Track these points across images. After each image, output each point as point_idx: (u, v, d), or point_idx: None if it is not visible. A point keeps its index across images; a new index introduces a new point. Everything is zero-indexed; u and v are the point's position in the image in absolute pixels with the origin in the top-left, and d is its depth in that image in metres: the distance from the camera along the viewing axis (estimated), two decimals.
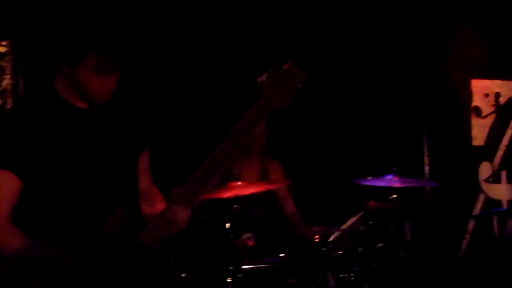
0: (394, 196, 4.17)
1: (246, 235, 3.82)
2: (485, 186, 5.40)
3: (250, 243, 3.78)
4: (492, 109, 5.46)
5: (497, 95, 5.48)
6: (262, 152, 4.41)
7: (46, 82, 2.83)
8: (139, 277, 2.25)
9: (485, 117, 5.45)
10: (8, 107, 4.15)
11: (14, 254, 2.34)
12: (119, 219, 2.76)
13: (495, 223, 5.34)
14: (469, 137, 5.42)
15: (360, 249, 3.90)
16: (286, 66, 2.72)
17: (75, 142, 2.81)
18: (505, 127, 5.50)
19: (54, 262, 2.19)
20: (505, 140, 5.48)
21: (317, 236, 3.82)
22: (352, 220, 4.02)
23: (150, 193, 2.99)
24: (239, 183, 3.72)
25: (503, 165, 5.45)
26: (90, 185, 2.81)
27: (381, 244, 4.04)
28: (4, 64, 4.22)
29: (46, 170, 2.76)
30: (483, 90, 5.46)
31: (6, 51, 4.22)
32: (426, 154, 5.20)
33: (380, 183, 4.17)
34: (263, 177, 4.36)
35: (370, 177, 4.19)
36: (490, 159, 5.43)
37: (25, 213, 2.74)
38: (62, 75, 2.79)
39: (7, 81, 4.21)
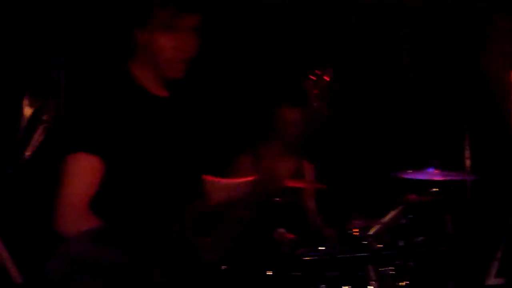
0: (435, 189, 4.15)
1: (281, 229, 3.84)
2: None
3: (290, 236, 3.79)
4: None
5: None
6: (297, 151, 4.41)
7: (122, 67, 2.78)
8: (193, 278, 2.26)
9: None
10: (49, 103, 4.20)
11: (65, 251, 2.34)
12: (194, 214, 2.74)
13: None
14: (511, 129, 5.36)
15: (401, 243, 3.88)
16: (326, 76, 2.74)
17: (154, 129, 2.76)
18: None
19: (108, 262, 2.20)
20: None
21: (356, 230, 3.81)
22: (393, 213, 4.01)
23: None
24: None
25: None
26: (169, 175, 2.77)
27: (422, 238, 4.01)
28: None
29: (127, 156, 2.70)
30: None
31: None
32: (467, 147, 5.15)
33: (421, 176, 4.14)
34: (297, 175, 4.37)
35: (411, 170, 4.17)
36: None
37: (103, 200, 2.69)
38: (138, 59, 2.75)
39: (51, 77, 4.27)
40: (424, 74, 5.09)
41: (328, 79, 2.73)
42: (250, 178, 2.76)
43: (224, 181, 2.88)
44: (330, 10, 5.00)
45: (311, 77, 2.76)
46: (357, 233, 3.81)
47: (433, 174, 4.13)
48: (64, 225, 2.60)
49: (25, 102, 4.17)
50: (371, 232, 3.84)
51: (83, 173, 2.66)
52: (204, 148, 2.90)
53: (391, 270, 3.73)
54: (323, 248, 3.71)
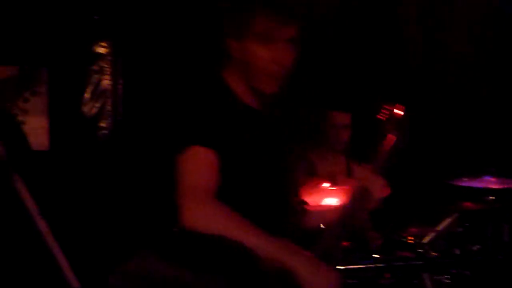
0: (491, 197, 4.10)
1: None
2: None
3: (344, 243, 3.77)
4: None
5: None
6: (347, 152, 4.40)
7: (217, 75, 2.71)
8: None
9: None
10: (108, 108, 4.26)
11: (129, 268, 2.33)
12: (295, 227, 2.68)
13: None
14: None
15: (456, 251, 3.84)
16: (399, 114, 2.75)
17: (251, 138, 2.68)
18: None
19: (174, 280, 2.18)
20: None
21: (411, 237, 3.79)
22: (448, 221, 3.97)
23: None
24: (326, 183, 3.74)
25: None
26: (268, 185, 2.69)
27: (478, 246, 3.97)
28: (104, 65, 4.32)
29: (233, 155, 2.63)
30: None
31: (106, 52, 4.33)
32: None
33: (478, 184, 4.10)
34: (350, 176, 4.35)
35: (467, 178, 4.13)
36: None
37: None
38: (231, 70, 2.68)
39: (107, 82, 4.32)
40: (479, 80, 5.05)
41: (400, 114, 2.75)
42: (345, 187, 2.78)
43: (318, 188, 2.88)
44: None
45: (385, 111, 2.75)
46: (412, 241, 3.79)
47: (489, 181, 4.09)
48: (193, 218, 2.51)
49: (84, 107, 4.25)
50: (426, 240, 3.81)
51: (204, 165, 2.61)
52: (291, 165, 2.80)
53: (447, 278, 3.70)
54: (378, 256, 3.70)
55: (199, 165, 2.59)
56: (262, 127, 2.72)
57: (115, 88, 4.31)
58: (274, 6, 2.55)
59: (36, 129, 4.09)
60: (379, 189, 2.77)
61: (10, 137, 4.06)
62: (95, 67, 4.29)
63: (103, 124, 4.24)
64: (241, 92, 2.68)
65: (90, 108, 4.26)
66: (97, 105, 4.26)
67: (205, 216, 2.49)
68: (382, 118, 2.77)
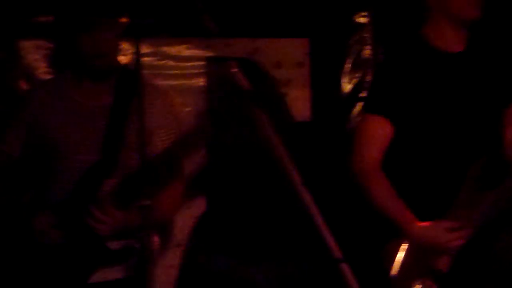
0: None
1: None
2: None
3: None
4: None
5: None
6: None
7: (417, 34, 2.93)
8: None
9: None
10: (368, 79, 4.24)
11: None
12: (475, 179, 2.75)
13: None
14: None
15: None
16: None
17: (449, 89, 2.83)
18: None
19: None
20: None
21: None
22: None
23: None
24: None
25: None
26: (459, 135, 2.83)
27: None
28: (365, 34, 4.32)
29: (419, 118, 2.83)
30: None
31: (367, 22, 4.32)
32: None
33: None
34: None
35: None
36: None
37: (391, 162, 2.86)
38: (432, 21, 2.88)
39: (367, 52, 4.31)
40: None
41: None
42: None
43: None
44: None
45: None
46: None
47: None
48: (357, 186, 2.85)
49: (345, 78, 4.28)
50: None
51: (374, 134, 2.83)
52: (498, 100, 2.90)
53: None
54: None
55: (368, 134, 2.85)
56: (459, 70, 2.85)
57: (376, 59, 4.28)
58: None
59: (298, 100, 4.17)
60: None
61: (273, 108, 4.20)
62: (356, 38, 4.31)
63: (362, 95, 4.23)
64: (442, 39, 2.86)
65: (350, 79, 4.28)
66: (357, 75, 4.27)
67: (364, 188, 2.83)
68: None
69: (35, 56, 3.98)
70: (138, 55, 2.60)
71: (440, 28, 2.87)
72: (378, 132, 2.83)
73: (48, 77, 3.83)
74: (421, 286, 3.49)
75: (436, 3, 2.84)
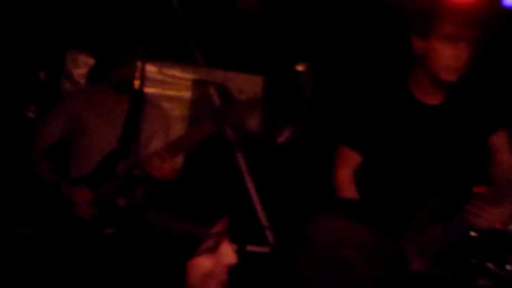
0: None
1: None
2: None
3: None
4: None
5: None
6: None
7: (401, 82, 2.85)
8: None
9: None
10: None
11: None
12: (431, 210, 2.77)
13: None
14: None
15: None
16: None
17: (415, 137, 2.85)
18: None
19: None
20: None
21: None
22: None
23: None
24: None
25: None
26: (414, 175, 2.88)
27: None
28: (305, 81, 5.00)
29: (381, 155, 2.91)
30: None
31: (306, 69, 5.07)
32: None
33: None
34: None
35: None
36: None
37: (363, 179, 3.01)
38: (415, 72, 2.82)
39: (305, 96, 5.03)
40: None
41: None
42: None
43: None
44: None
45: None
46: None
47: None
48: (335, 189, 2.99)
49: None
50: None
51: (345, 162, 2.95)
52: (464, 154, 2.86)
53: None
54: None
55: (341, 162, 2.97)
56: (430, 121, 2.81)
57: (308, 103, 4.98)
58: (458, 10, 2.70)
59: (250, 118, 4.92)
60: None
61: (237, 123, 4.87)
62: (297, 81, 5.00)
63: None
64: (420, 88, 2.81)
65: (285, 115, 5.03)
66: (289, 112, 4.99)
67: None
68: None
69: (80, 68, 4.68)
70: (142, 74, 3.20)
71: (420, 80, 2.82)
72: (348, 159, 2.98)
73: (86, 84, 4.54)
74: None
75: (419, 58, 2.77)
